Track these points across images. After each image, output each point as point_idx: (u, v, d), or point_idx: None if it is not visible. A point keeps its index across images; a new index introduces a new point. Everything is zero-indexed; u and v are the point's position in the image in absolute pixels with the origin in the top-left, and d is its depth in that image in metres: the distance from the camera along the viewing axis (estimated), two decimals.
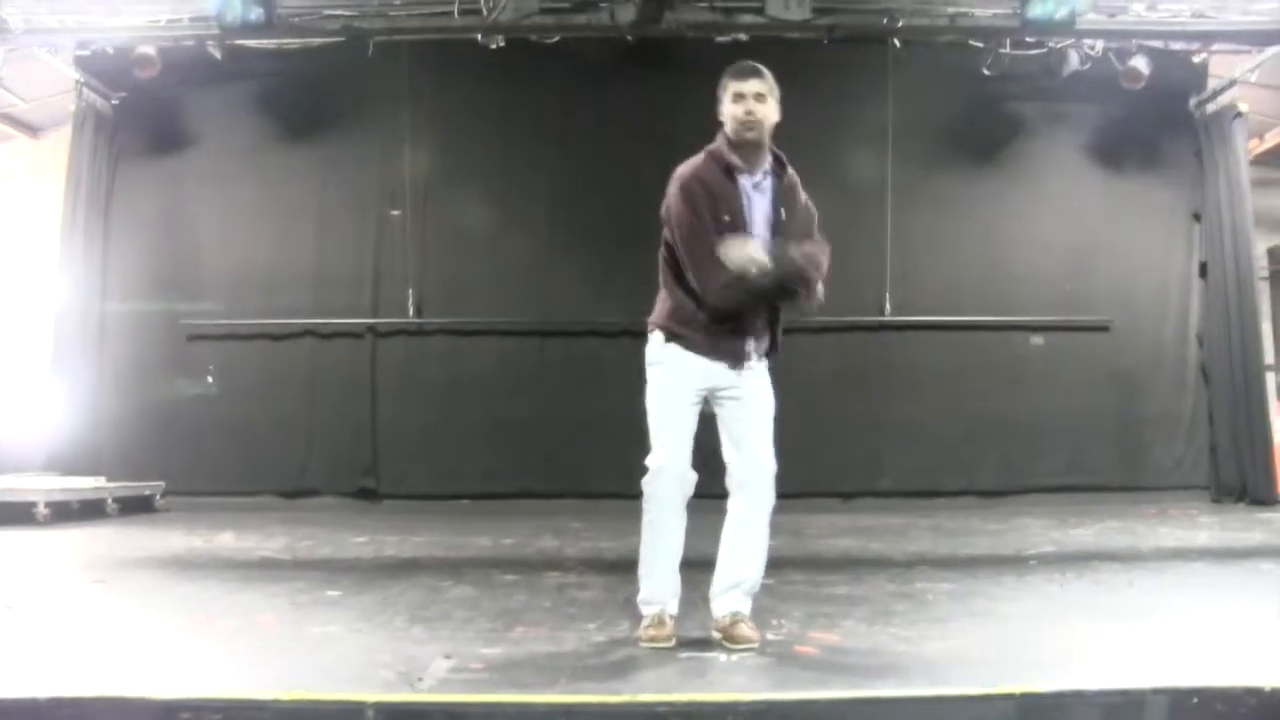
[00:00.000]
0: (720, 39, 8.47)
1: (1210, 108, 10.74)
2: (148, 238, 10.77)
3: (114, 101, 10.67)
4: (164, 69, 9.76)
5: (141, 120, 10.80)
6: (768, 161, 3.82)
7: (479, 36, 7.72)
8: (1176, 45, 9.87)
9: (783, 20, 7.26)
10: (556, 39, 8.32)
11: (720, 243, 3.58)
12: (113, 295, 10.67)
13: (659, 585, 3.78)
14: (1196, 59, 10.56)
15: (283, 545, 7.19)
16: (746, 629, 3.67)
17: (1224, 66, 10.57)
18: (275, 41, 8.80)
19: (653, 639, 3.70)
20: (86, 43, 9.31)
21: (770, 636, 3.84)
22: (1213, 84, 10.70)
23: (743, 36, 8.19)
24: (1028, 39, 8.53)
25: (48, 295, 10.60)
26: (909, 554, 6.57)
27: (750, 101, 3.71)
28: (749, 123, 3.71)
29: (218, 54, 9.63)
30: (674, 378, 3.79)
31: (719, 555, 3.81)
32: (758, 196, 3.79)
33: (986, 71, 9.72)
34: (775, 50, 9.50)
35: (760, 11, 7.31)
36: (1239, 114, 10.41)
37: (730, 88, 3.75)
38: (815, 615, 4.32)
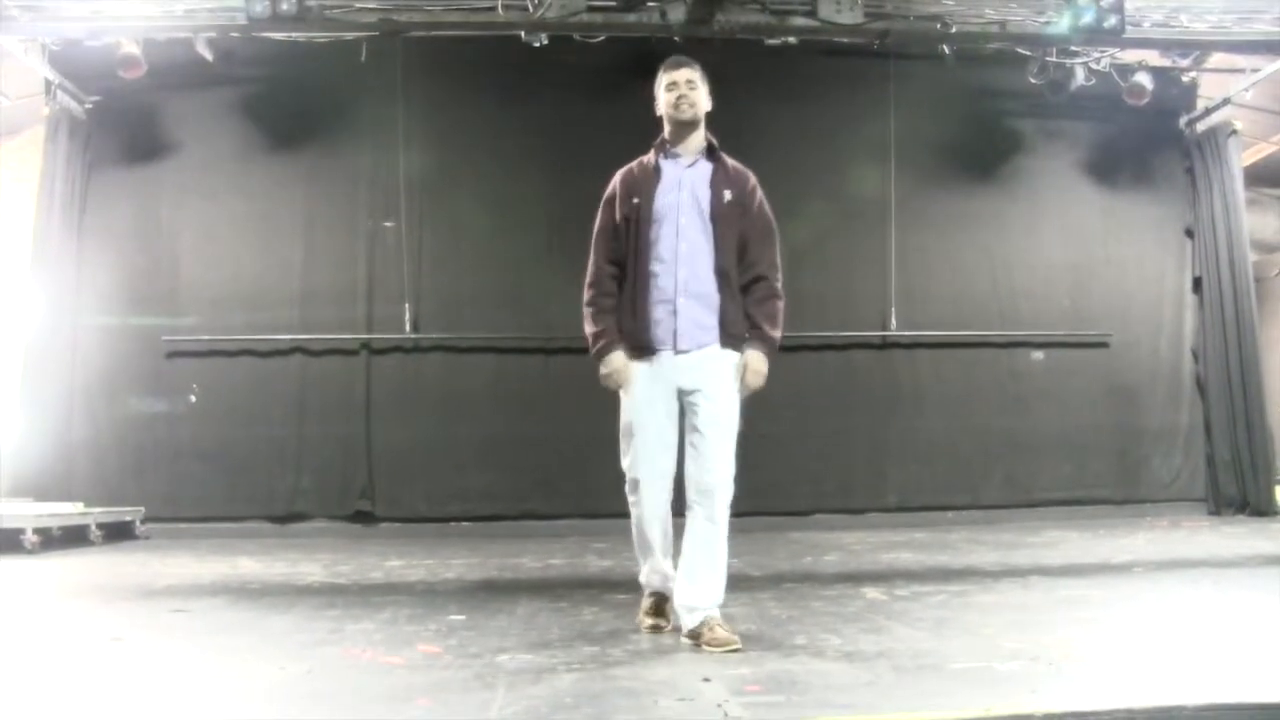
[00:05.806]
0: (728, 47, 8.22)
1: (1201, 126, 10.94)
2: (124, 249, 10.11)
3: (87, 105, 10.05)
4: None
5: (117, 126, 10.18)
6: (701, 146, 4.01)
7: (523, 34, 7.40)
8: (1170, 63, 10.06)
9: (835, 24, 7.09)
10: (545, 42, 8.01)
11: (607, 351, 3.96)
12: (86, 309, 9.95)
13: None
14: (1186, 78, 10.80)
15: (326, 569, 6.75)
16: (724, 632, 3.68)
17: (1211, 87, 10.81)
18: (282, 37, 8.35)
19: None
20: (73, 40, 8.72)
21: None
22: (1202, 104, 10.92)
23: (792, 40, 8.01)
24: (1072, 46, 8.53)
25: (18, 308, 9.89)
26: (964, 565, 6.43)
27: (682, 88, 3.95)
28: (681, 105, 3.93)
29: (209, 55, 9.14)
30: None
31: (681, 564, 3.90)
32: (690, 178, 3.95)
33: (1033, 80, 9.70)
34: (778, 69, 9.55)
35: (812, 14, 7.12)
36: (1234, 131, 10.63)
37: (664, 79, 4.01)
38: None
